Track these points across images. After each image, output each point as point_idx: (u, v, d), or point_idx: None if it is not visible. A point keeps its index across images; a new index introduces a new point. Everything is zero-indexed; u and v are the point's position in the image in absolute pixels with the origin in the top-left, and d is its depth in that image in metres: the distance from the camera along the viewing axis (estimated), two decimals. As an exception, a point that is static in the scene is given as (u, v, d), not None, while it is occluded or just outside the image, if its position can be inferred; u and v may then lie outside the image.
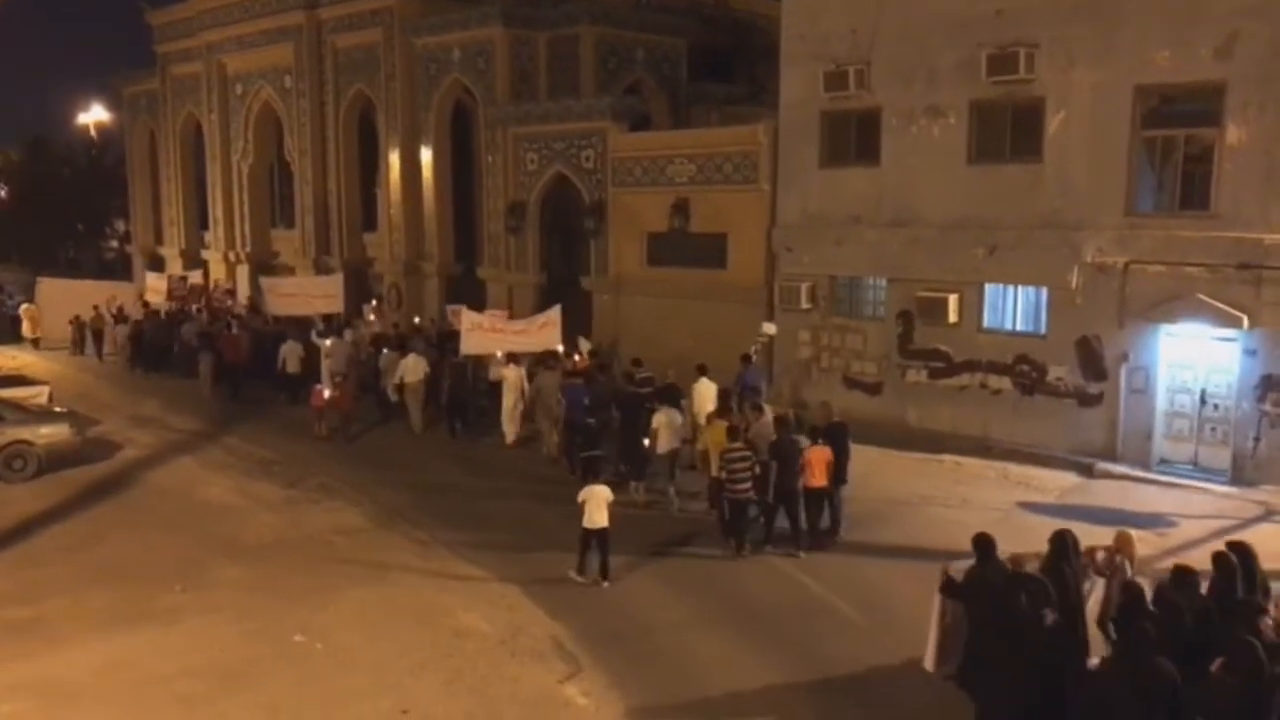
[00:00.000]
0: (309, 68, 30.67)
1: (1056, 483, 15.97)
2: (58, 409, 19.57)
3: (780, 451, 13.40)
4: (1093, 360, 16.57)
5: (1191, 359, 15.87)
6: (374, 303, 28.18)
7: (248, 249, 34.73)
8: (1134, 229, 16.06)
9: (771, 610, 11.71)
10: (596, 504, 12.38)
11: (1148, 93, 15.92)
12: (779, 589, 12.37)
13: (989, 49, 16.92)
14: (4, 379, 22.31)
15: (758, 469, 13.35)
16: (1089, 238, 16.39)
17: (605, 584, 12.43)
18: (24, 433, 17.46)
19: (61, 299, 33.12)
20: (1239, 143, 15.01)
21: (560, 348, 19.95)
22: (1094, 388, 16.61)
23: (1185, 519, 13.89)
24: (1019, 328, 17.69)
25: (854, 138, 19.29)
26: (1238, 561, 8.53)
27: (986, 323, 17.88)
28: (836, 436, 13.99)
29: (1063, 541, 9.04)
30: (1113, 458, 16.32)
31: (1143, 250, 15.93)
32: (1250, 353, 15.09)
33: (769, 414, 14.86)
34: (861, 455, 17.49)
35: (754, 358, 18.13)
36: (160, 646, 10.96)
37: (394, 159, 28.76)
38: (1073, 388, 16.85)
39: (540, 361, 19.10)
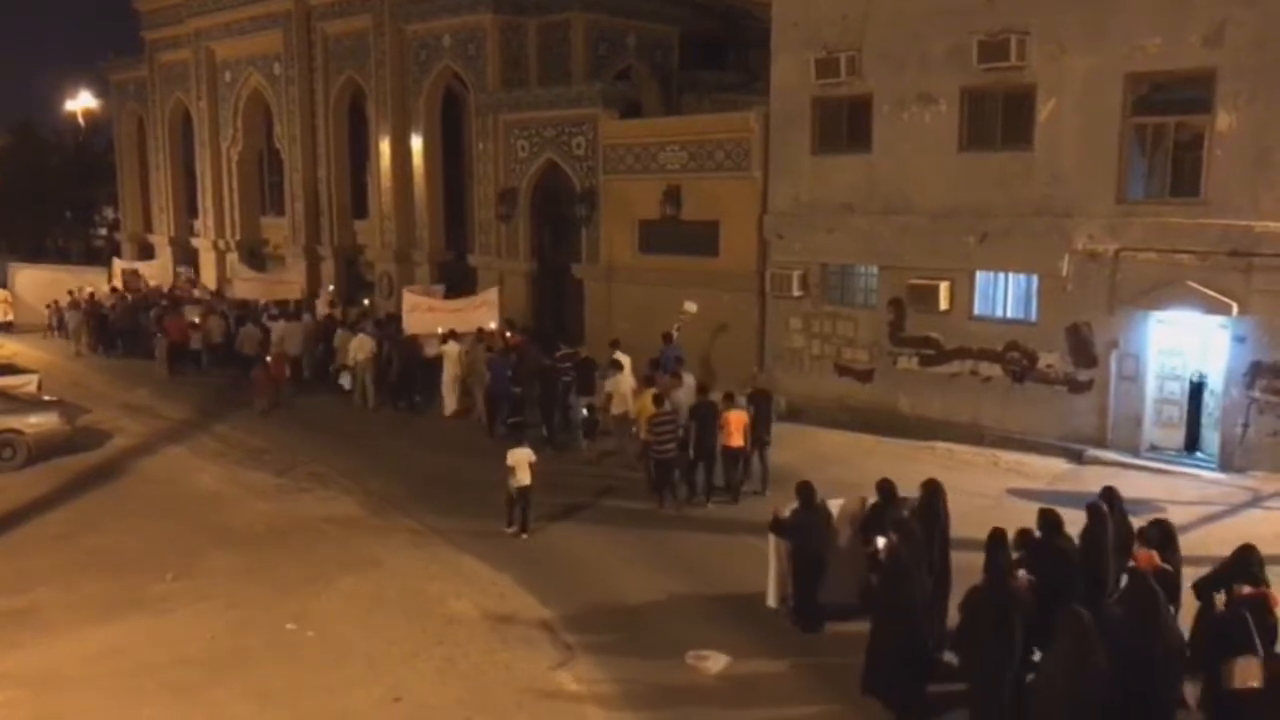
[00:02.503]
0: (298, 54, 30.51)
1: (1047, 469, 16.04)
2: (47, 397, 19.50)
3: (698, 414, 14.95)
4: (1083, 347, 16.62)
5: (1181, 346, 15.95)
6: (330, 289, 29.44)
7: (237, 236, 34.64)
8: (1124, 216, 16.09)
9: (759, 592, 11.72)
10: (520, 465, 13.66)
11: (1138, 80, 15.92)
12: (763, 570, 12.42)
13: (980, 35, 16.89)
14: (-7, 368, 22.21)
15: (680, 432, 14.81)
16: (1080, 225, 16.42)
17: (524, 536, 13.73)
18: (13, 421, 17.41)
19: (34, 285, 33.82)
20: (1229, 130, 15.03)
21: (494, 325, 21.59)
22: (1084, 375, 16.67)
23: (1173, 505, 13.94)
24: (1010, 315, 17.72)
25: (845, 125, 19.26)
26: (1108, 508, 10.06)
27: (977, 310, 17.90)
28: (759, 403, 15.56)
29: (936, 488, 10.79)
30: (1103, 444, 16.39)
31: (1133, 237, 15.97)
32: (1239, 339, 15.16)
33: (689, 382, 16.49)
34: (852, 442, 17.75)
35: (675, 335, 19.22)
36: (152, 635, 10.96)
37: (384, 146, 28.66)
38: (1063, 375, 16.90)
39: (478, 339, 20.74)
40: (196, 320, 26.47)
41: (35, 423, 17.64)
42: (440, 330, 21.09)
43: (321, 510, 15.13)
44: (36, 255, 46.39)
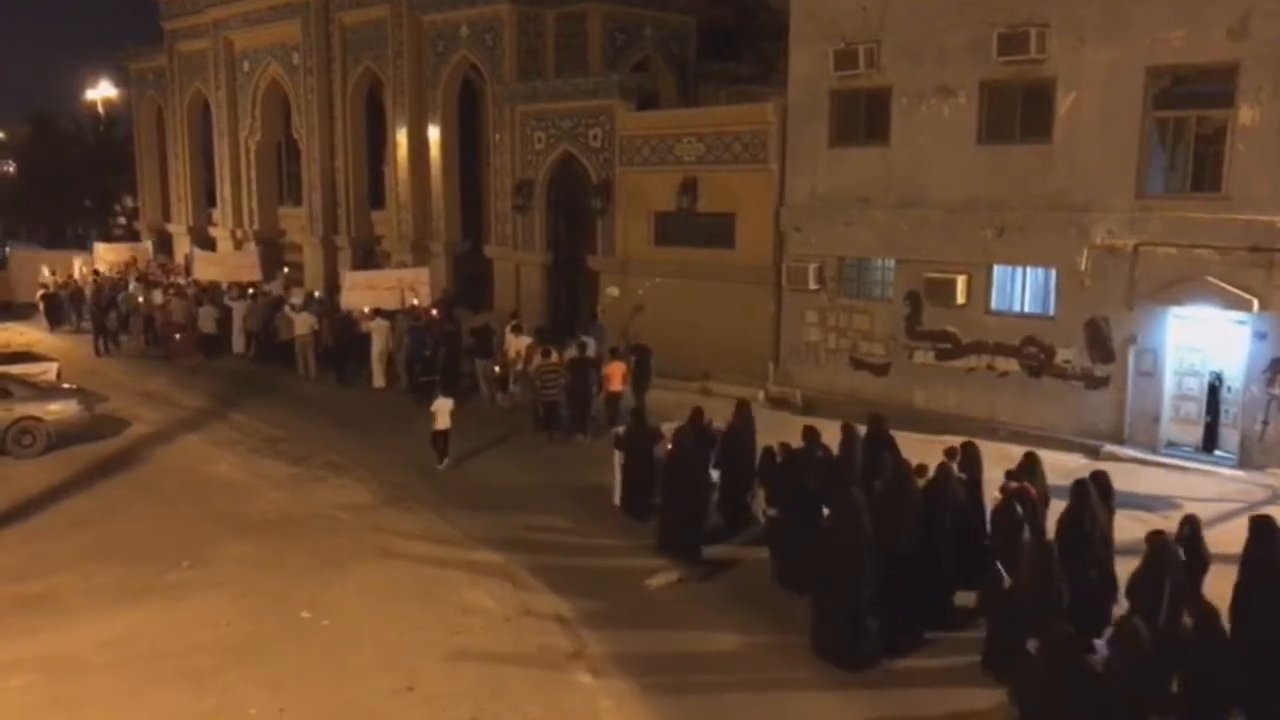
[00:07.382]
0: (316, 45, 30.60)
1: (1062, 465, 15.85)
2: (66, 385, 19.63)
3: (573, 367, 18.30)
4: (1101, 342, 16.52)
5: (1200, 342, 15.82)
6: (286, 270, 31.30)
7: (255, 226, 34.78)
8: (1144, 211, 15.96)
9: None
10: (441, 412, 16.41)
11: (1159, 73, 15.79)
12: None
13: (1000, 28, 16.79)
14: (12, 355, 22.36)
15: (562, 381, 18.08)
16: (1098, 219, 16.30)
17: (440, 466, 16.41)
18: (33, 409, 17.54)
19: (30, 267, 34.95)
20: (1252, 124, 14.89)
21: (419, 302, 23.37)
22: (1101, 370, 16.56)
23: (1191, 502, 13.81)
24: (1027, 309, 17.62)
25: (863, 117, 19.19)
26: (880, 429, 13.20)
27: (995, 304, 17.81)
28: (640, 355, 19.17)
29: (746, 410, 14.21)
30: (1120, 440, 16.30)
31: (1152, 232, 15.84)
32: (1260, 336, 15.03)
33: (590, 349, 19.34)
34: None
35: (600, 315, 22.32)
36: (167, 622, 11.03)
37: (401, 137, 28.71)
38: (1080, 370, 16.80)
39: (407, 314, 22.85)
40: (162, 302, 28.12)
41: (55, 410, 17.77)
42: (367, 309, 23.06)
43: (336, 499, 15.20)
44: (55, 243, 46.80)
